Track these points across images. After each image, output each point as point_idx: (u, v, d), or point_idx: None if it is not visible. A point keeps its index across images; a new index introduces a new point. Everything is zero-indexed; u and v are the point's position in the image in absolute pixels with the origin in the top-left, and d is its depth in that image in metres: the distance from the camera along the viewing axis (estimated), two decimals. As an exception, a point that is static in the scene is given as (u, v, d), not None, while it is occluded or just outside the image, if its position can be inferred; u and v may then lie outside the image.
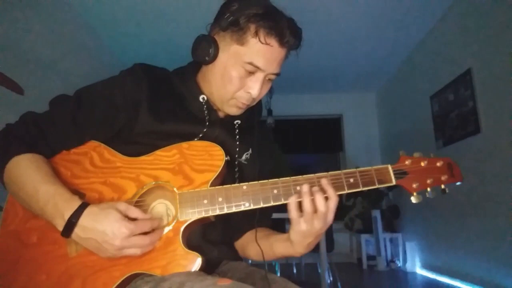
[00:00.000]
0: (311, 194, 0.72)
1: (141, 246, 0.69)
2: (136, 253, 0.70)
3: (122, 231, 0.67)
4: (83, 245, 0.70)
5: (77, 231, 0.68)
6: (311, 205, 0.72)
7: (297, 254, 0.80)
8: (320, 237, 0.78)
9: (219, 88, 0.84)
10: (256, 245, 0.87)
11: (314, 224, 0.73)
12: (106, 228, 0.67)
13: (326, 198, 0.73)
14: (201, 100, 0.88)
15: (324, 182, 0.74)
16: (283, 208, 0.78)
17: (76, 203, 0.69)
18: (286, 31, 0.79)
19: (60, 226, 0.68)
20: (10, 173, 0.73)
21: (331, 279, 3.18)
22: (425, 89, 3.88)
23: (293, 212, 0.73)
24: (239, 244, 0.95)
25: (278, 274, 3.27)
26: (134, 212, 0.71)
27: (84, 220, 0.68)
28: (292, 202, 0.73)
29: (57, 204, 0.69)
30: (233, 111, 0.87)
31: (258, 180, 0.77)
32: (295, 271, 3.98)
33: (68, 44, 3.22)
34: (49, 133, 0.78)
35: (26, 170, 0.72)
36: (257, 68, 0.80)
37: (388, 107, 5.13)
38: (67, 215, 0.67)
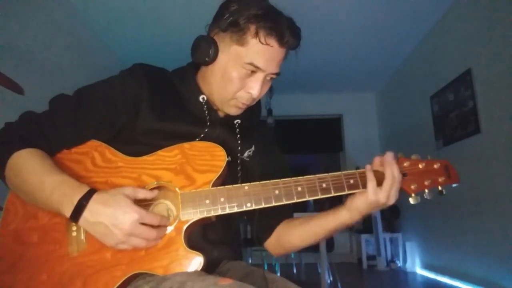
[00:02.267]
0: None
1: (147, 238, 0.70)
2: (141, 245, 0.70)
3: (132, 215, 0.67)
4: (90, 231, 0.70)
5: (86, 215, 0.68)
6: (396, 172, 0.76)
7: (353, 222, 0.83)
8: (376, 209, 0.81)
9: (220, 89, 0.84)
10: (298, 229, 0.89)
11: (390, 194, 0.76)
12: (116, 211, 0.67)
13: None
14: (201, 100, 0.88)
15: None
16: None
17: (85, 188, 0.70)
18: (286, 31, 0.79)
19: (69, 211, 0.68)
20: (13, 166, 0.73)
21: (331, 279, 3.18)
22: (425, 89, 3.89)
23: (371, 182, 0.77)
24: (272, 242, 0.95)
25: (278, 274, 3.27)
26: (142, 193, 0.72)
27: (94, 203, 0.68)
28: (371, 171, 0.77)
29: (65, 191, 0.69)
30: (233, 111, 0.87)
31: (262, 177, 0.78)
32: (295, 271, 3.98)
33: (68, 44, 3.22)
34: (49, 132, 0.77)
35: (30, 162, 0.72)
36: (258, 68, 0.80)
37: (388, 107, 5.13)
38: (76, 199, 0.68)
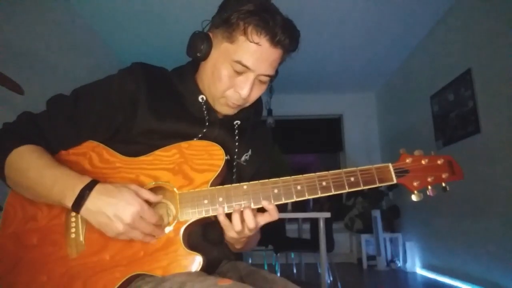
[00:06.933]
0: (241, 210, 0.74)
1: (144, 232, 0.70)
2: (138, 237, 0.70)
3: (136, 206, 0.68)
4: (91, 221, 0.70)
5: (88, 204, 0.68)
6: (240, 222, 0.74)
7: (237, 250, 0.89)
8: (254, 236, 0.83)
9: (210, 86, 0.83)
10: None
11: (245, 232, 0.76)
12: (120, 202, 0.67)
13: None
14: (200, 100, 0.87)
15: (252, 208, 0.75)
16: (283, 207, 0.78)
17: (87, 178, 0.70)
18: (277, 30, 0.76)
19: (70, 201, 0.68)
20: (12, 164, 0.73)
21: (331, 279, 3.18)
22: (425, 89, 3.88)
23: (222, 222, 0.75)
24: None
25: (278, 274, 3.26)
26: (145, 193, 0.72)
27: (97, 193, 0.68)
28: (220, 212, 0.74)
29: (67, 182, 0.69)
30: (225, 110, 0.86)
31: (255, 180, 0.77)
32: (295, 271, 3.98)
33: (68, 44, 3.21)
34: (47, 132, 0.77)
35: (29, 157, 0.72)
36: (246, 67, 0.78)
37: (388, 107, 5.13)
38: (78, 189, 0.68)
